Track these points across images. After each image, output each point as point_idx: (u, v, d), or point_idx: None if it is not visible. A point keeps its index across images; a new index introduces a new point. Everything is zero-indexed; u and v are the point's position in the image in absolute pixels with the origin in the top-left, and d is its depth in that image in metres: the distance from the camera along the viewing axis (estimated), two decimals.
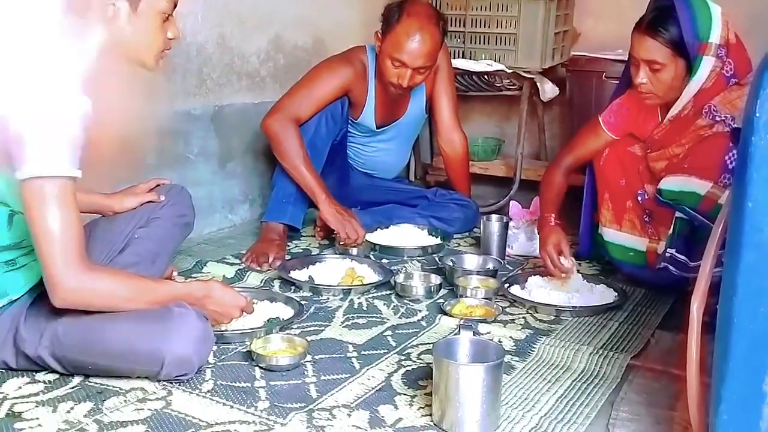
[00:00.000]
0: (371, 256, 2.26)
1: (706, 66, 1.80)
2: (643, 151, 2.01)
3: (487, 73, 2.76)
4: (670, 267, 1.85)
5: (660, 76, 1.84)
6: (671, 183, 1.82)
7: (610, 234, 2.04)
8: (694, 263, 1.80)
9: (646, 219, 1.99)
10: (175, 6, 1.50)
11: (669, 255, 1.85)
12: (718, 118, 1.81)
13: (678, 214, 1.83)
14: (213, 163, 2.50)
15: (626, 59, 2.02)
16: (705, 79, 1.82)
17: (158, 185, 1.82)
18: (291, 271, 2.01)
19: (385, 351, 1.58)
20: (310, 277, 1.98)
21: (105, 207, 1.73)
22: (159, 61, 1.50)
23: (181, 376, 1.38)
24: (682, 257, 1.83)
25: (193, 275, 2.03)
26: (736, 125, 1.77)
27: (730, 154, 1.72)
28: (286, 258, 2.19)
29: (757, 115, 0.92)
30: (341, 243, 2.23)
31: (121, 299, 1.34)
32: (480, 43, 2.75)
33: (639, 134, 2.02)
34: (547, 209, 2.06)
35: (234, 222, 2.61)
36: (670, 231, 1.84)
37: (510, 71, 2.74)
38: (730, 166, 1.71)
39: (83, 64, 1.37)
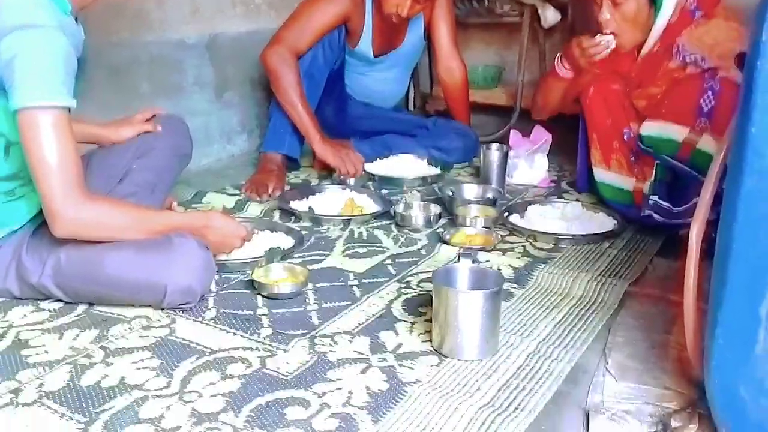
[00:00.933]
0: (371, 187, 2.26)
1: (671, 0, 1.76)
2: (626, 88, 1.99)
3: None
4: (654, 214, 1.85)
5: (623, 10, 1.80)
6: (650, 129, 1.82)
7: (600, 173, 2.04)
8: (677, 209, 1.80)
9: (633, 159, 1.98)
10: None
11: (652, 202, 1.84)
12: (688, 60, 1.79)
13: (658, 161, 1.82)
14: (209, 93, 2.47)
15: None
16: (671, 14, 1.78)
17: (155, 115, 1.80)
18: (291, 202, 2.02)
19: (386, 279, 1.60)
20: (310, 207, 1.99)
21: (101, 137, 1.71)
22: None
23: (184, 304, 1.40)
24: (666, 204, 1.83)
25: (193, 205, 2.03)
26: (707, 65, 1.75)
27: (705, 97, 1.71)
28: (286, 188, 2.19)
29: (763, 39, 0.90)
30: (341, 176, 2.23)
31: (121, 228, 1.34)
32: None
33: (618, 69, 1.99)
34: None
35: (232, 152, 2.59)
36: (652, 178, 1.84)
37: None
38: (705, 109, 1.71)
39: None
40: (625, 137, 1.98)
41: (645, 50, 1.88)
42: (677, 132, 1.76)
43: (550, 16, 2.78)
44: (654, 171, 1.83)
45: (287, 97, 2.19)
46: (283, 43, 2.19)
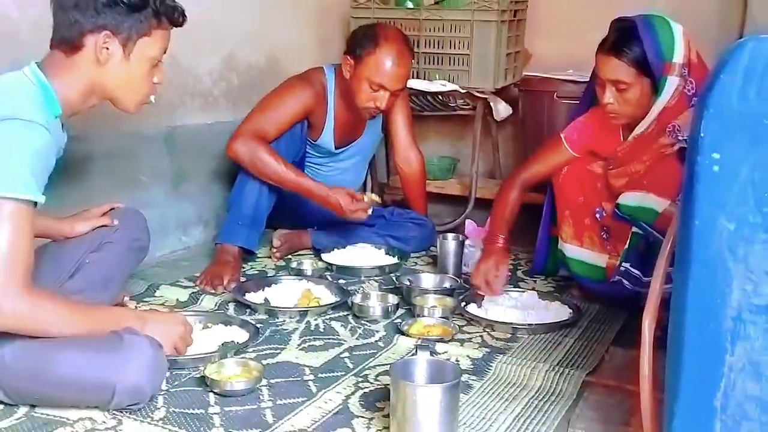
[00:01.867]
0: (328, 277, 2.25)
1: (671, 86, 1.82)
2: (603, 168, 2.05)
3: (441, 93, 2.79)
4: (624, 281, 1.88)
5: (626, 96, 1.85)
6: (629, 198, 1.86)
7: (572, 250, 2.07)
8: (647, 278, 1.83)
9: (604, 236, 2.02)
10: (165, 52, 1.50)
11: (623, 269, 1.87)
12: (680, 137, 1.85)
13: (634, 228, 1.86)
14: (166, 185, 2.45)
15: (577, 80, 2.06)
16: (670, 96, 1.85)
17: (112, 209, 1.78)
18: (246, 294, 1.98)
19: (342, 373, 1.57)
20: (265, 299, 1.96)
21: (56, 231, 1.69)
22: (141, 106, 1.51)
23: (132, 405, 1.34)
24: (636, 272, 1.86)
25: (145, 299, 1.99)
26: (683, 145, 1.81)
27: None
28: (242, 280, 2.16)
29: (702, 135, 0.94)
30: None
31: (57, 325, 1.31)
32: (434, 63, 2.78)
33: (601, 152, 2.05)
34: (497, 227, 2.07)
35: (188, 244, 2.56)
36: (626, 245, 1.87)
37: (464, 91, 2.77)
38: None
39: (63, 99, 1.39)
40: (598, 216, 2.02)
41: (639, 130, 1.91)
42: (657, 203, 1.78)
43: (501, 109, 2.88)
44: (629, 238, 1.86)
45: (273, 174, 2.19)
46: (247, 134, 2.21)
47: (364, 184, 3.14)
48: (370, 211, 2.28)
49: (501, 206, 2.12)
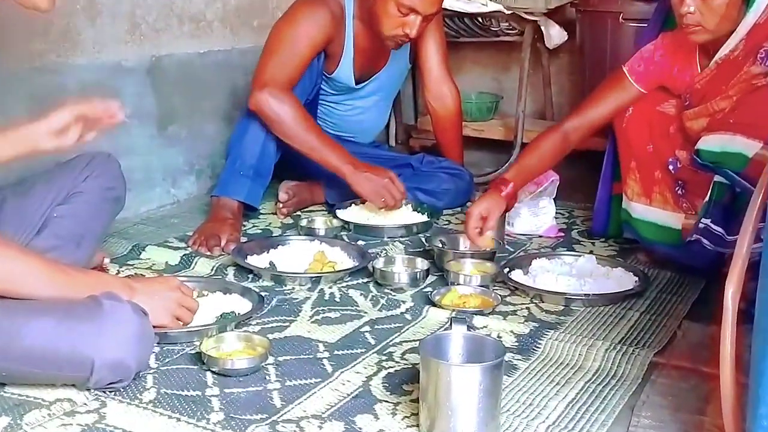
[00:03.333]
0: (345, 237, 2.26)
1: None
2: (677, 108, 2.02)
3: (481, 14, 2.76)
4: (704, 240, 1.86)
5: (710, 3, 1.80)
6: (712, 143, 1.82)
7: (639, 210, 2.05)
8: (731, 237, 1.81)
9: (679, 192, 2.00)
10: None
11: (703, 226, 1.85)
12: None
13: (717, 177, 1.83)
14: (150, 127, 2.47)
15: None
16: (762, 11, 1.80)
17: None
18: (248, 256, 2.01)
19: (363, 350, 1.59)
20: (271, 263, 1.98)
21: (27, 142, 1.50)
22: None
23: (116, 383, 1.38)
24: (719, 229, 1.84)
25: (128, 263, 2.02)
26: None
27: None
28: (242, 240, 2.18)
29: None
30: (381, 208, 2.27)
31: (31, 283, 1.34)
32: None
33: (673, 87, 2.02)
34: (512, 174, 2.06)
35: (177, 197, 2.59)
36: (707, 198, 1.85)
37: (509, 12, 2.73)
38: None
39: None
40: (671, 168, 2.00)
41: (723, 52, 1.87)
42: (746, 146, 1.74)
43: (555, 34, 2.84)
44: (710, 189, 1.84)
45: (301, 140, 2.23)
46: (271, 83, 2.21)
47: (387, 126, 3.15)
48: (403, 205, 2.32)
49: (528, 152, 2.11)
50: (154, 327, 1.47)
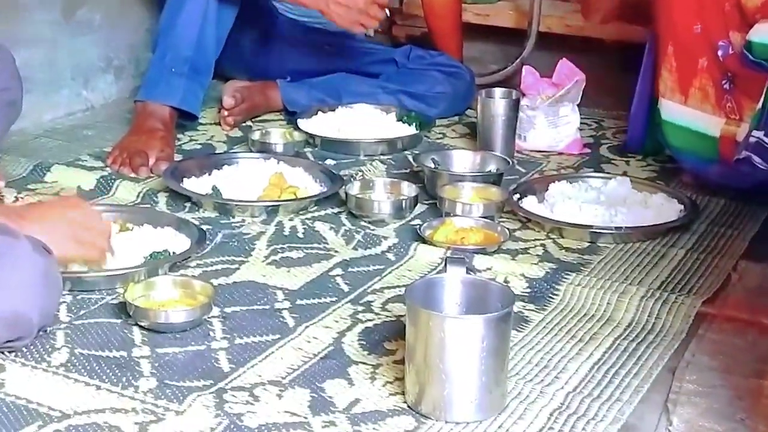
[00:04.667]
0: (309, 155, 2.25)
1: None
2: None
3: None
4: (754, 157, 1.86)
5: None
6: (767, 33, 1.82)
7: (671, 109, 2.05)
8: None
9: (726, 86, 2.00)
10: None
11: (755, 140, 1.86)
12: None
13: None
14: (54, 10, 2.43)
15: None
16: None
17: None
18: (184, 179, 2.00)
19: (333, 299, 1.60)
20: (214, 187, 1.98)
21: None
22: None
23: (15, 341, 1.38)
24: None
25: (29, 186, 2.00)
26: None
27: None
28: (176, 158, 2.17)
29: None
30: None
31: None
32: None
33: None
34: None
35: (92, 102, 2.57)
36: (760, 104, 1.85)
37: None
38: None
39: None
40: (720, 53, 1.99)
41: None
42: None
43: None
44: (763, 95, 1.84)
45: None
46: None
47: None
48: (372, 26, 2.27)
49: None
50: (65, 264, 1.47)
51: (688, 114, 2.04)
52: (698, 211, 1.96)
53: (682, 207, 1.95)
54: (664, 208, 1.95)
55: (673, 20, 2.04)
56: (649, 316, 1.57)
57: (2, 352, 1.39)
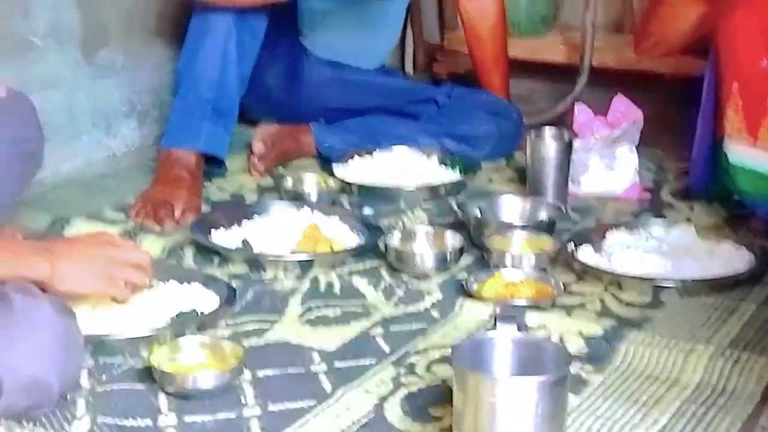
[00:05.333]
0: (345, 204, 2.27)
1: None
2: None
3: None
4: None
5: None
6: None
7: (738, 152, 2.05)
8: None
9: None
10: None
11: None
12: None
13: None
14: (74, 51, 2.46)
15: None
16: None
17: None
18: (212, 232, 2.02)
19: (373, 361, 1.60)
20: (244, 241, 1.99)
21: None
22: None
23: (34, 408, 1.39)
24: None
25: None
26: None
27: None
28: (203, 209, 2.19)
29: None
30: None
31: None
32: None
33: None
34: None
35: (113, 150, 2.59)
36: None
37: None
38: None
39: None
40: None
41: None
42: None
43: None
44: None
45: None
46: None
47: (402, 45, 3.13)
48: None
49: None
50: (83, 299, 1.53)
51: (758, 157, 2.03)
52: None
53: (752, 256, 1.94)
54: (732, 258, 1.94)
55: (737, 55, 2.05)
56: (719, 377, 1.56)
57: (21, 421, 1.40)
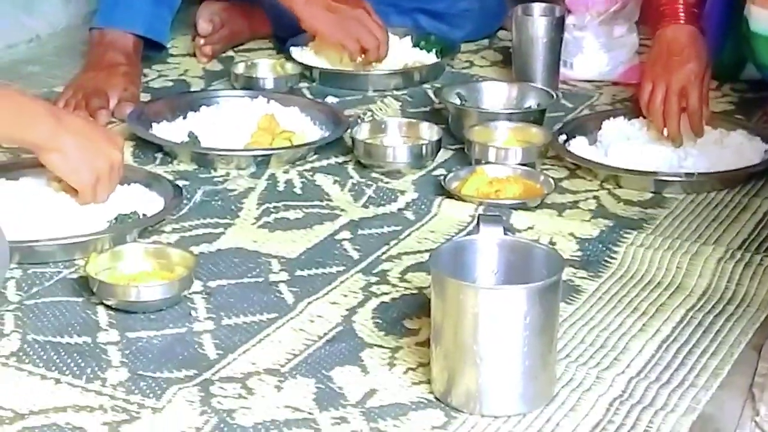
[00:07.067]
0: (306, 93, 2.26)
1: None
2: None
3: None
4: None
5: None
6: None
7: (763, 19, 2.03)
8: None
9: None
10: None
11: None
12: None
13: None
14: None
15: None
16: None
17: None
18: (154, 124, 2.01)
19: (341, 269, 1.60)
20: (191, 134, 1.98)
21: None
22: None
23: None
24: None
25: None
26: None
27: None
28: (143, 98, 2.18)
29: None
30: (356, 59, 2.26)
31: None
32: None
33: None
34: None
35: (36, 31, 2.56)
36: None
37: None
38: None
39: None
40: None
41: None
42: None
43: None
44: None
45: None
46: None
47: None
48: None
49: None
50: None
51: None
52: None
53: (767, 146, 1.95)
54: (744, 149, 1.95)
55: None
56: (728, 282, 1.57)
57: None
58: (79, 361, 1.37)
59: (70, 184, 1.63)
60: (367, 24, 2.25)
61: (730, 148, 1.94)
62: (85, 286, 1.52)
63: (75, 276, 1.56)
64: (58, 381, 1.33)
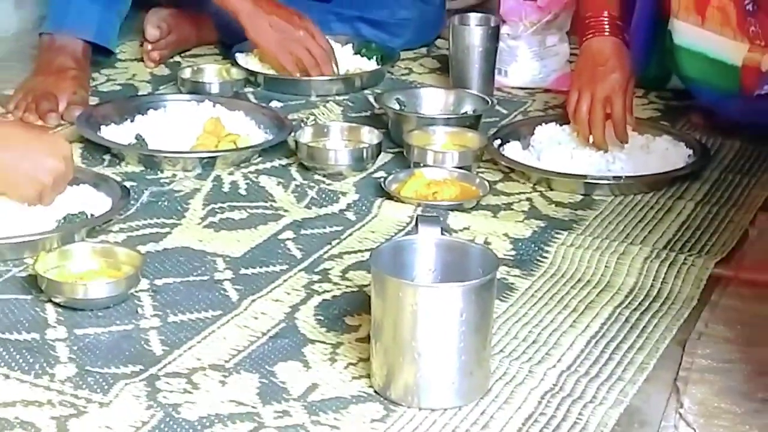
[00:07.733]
0: (251, 97, 2.25)
1: None
2: None
3: None
4: None
5: None
6: None
7: (685, 33, 2.03)
8: None
9: (750, 7, 1.99)
10: None
11: None
12: None
13: None
14: None
15: None
16: None
17: None
18: (102, 127, 2.00)
19: (284, 267, 1.60)
20: (138, 136, 1.97)
21: None
22: None
23: None
24: None
25: None
26: None
27: None
28: (92, 102, 2.16)
29: None
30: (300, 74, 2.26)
31: None
32: None
33: None
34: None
35: None
36: None
37: None
38: None
39: None
40: None
41: None
42: None
43: None
44: None
45: None
46: None
47: None
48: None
49: None
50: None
51: (705, 38, 2.02)
52: (709, 156, 1.97)
53: (690, 152, 1.96)
54: (669, 154, 1.96)
55: None
56: (654, 280, 1.59)
57: None
58: (28, 357, 1.36)
59: (13, 199, 1.61)
60: (308, 45, 2.26)
61: (656, 153, 1.96)
62: (33, 284, 1.51)
63: (24, 274, 1.55)
64: (7, 377, 1.32)
